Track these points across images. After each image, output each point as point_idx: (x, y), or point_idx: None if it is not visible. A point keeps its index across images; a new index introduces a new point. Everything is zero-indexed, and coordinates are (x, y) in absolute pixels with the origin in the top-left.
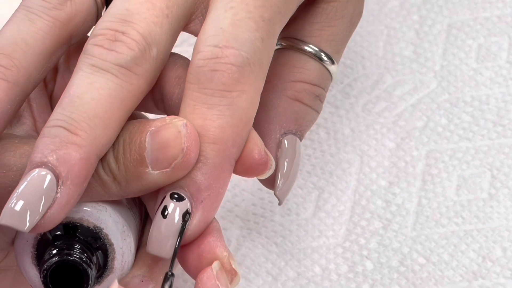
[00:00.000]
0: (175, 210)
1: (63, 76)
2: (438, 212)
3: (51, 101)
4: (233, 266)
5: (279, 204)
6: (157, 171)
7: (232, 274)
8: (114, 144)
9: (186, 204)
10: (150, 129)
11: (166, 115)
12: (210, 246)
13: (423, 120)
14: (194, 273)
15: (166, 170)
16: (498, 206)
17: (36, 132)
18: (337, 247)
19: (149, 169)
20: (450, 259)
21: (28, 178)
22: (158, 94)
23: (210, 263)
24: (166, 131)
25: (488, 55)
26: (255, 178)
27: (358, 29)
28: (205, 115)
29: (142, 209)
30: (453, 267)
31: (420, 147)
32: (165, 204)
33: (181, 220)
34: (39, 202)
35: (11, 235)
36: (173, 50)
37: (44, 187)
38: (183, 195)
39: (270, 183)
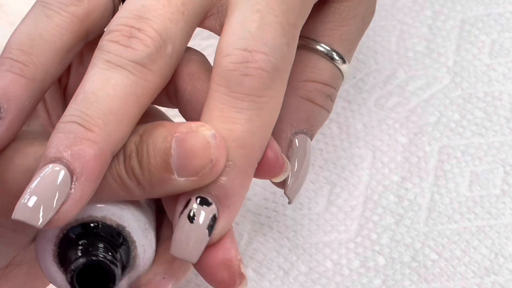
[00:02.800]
0: (203, 215)
1: (77, 70)
2: (450, 208)
3: (65, 95)
4: (243, 270)
5: (289, 203)
6: (183, 178)
7: (241, 277)
8: (138, 149)
9: (213, 209)
10: (176, 135)
11: (180, 112)
12: (225, 248)
13: (436, 115)
14: (206, 275)
15: (193, 178)
16: (511, 202)
17: (50, 126)
18: (349, 242)
19: (175, 176)
20: (462, 255)
21: (42, 174)
22: (172, 89)
23: (225, 266)
24: (194, 140)
25: (502, 51)
26: None
27: (371, 24)
28: (234, 119)
29: (156, 204)
30: (465, 263)
31: (432, 143)
32: (191, 209)
33: (208, 225)
34: (53, 197)
35: (32, 234)
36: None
37: (58, 182)
38: (210, 200)
39: (280, 182)
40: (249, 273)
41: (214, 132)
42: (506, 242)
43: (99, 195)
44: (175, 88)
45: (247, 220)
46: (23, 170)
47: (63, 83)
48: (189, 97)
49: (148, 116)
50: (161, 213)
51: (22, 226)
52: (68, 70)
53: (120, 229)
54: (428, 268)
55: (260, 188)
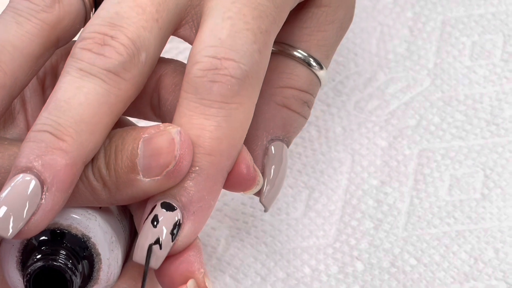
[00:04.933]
0: (166, 220)
1: None
2: (430, 212)
3: None
4: (207, 284)
5: (265, 211)
6: (148, 179)
7: None
8: (106, 150)
9: (177, 214)
10: (144, 136)
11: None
12: (188, 261)
13: (416, 118)
14: (168, 287)
15: (157, 177)
16: (491, 207)
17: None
18: (328, 248)
19: (140, 176)
20: (441, 260)
21: (12, 184)
22: (156, 100)
23: (186, 278)
24: (159, 138)
25: (482, 53)
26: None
27: (351, 25)
28: (203, 126)
29: (132, 223)
30: (444, 269)
31: (412, 146)
32: (156, 213)
33: (171, 230)
34: (23, 208)
35: None
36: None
37: (29, 192)
38: (174, 205)
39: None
40: (226, 279)
41: (179, 129)
42: (485, 247)
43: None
44: (159, 99)
45: (224, 225)
46: None
47: (47, 94)
48: (169, 107)
49: (120, 127)
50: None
51: None
52: (53, 81)
53: (85, 239)
54: (407, 273)
55: (237, 193)
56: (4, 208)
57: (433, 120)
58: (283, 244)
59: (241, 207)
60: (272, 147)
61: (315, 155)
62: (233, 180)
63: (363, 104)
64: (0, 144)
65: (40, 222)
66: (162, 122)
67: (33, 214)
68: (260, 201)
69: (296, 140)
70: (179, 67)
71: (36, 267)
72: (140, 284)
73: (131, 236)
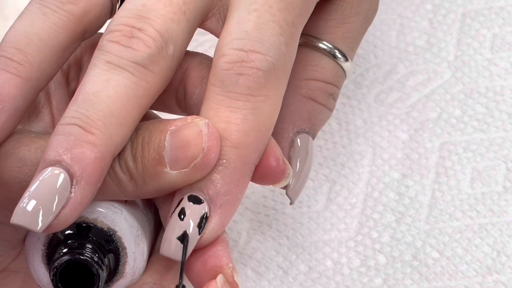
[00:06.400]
0: (193, 213)
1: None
2: (452, 205)
3: None
4: (236, 279)
5: (291, 203)
6: (176, 171)
7: (233, 286)
8: (133, 143)
9: (204, 207)
10: (171, 128)
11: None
12: (217, 256)
13: (437, 111)
14: (197, 281)
15: (184, 170)
16: None
17: (53, 129)
18: (349, 241)
19: (167, 169)
20: (464, 253)
21: (41, 177)
22: (182, 93)
23: (214, 273)
24: (187, 130)
25: (503, 45)
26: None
27: None
28: (229, 119)
29: (157, 217)
30: (467, 262)
31: (433, 139)
32: (183, 206)
33: (198, 224)
34: (53, 201)
35: (23, 233)
36: None
37: (58, 186)
38: (201, 198)
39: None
40: (247, 272)
41: (207, 122)
42: (508, 240)
43: None
44: (185, 92)
45: (245, 218)
46: (18, 160)
47: (71, 87)
48: (196, 100)
49: (146, 120)
50: (158, 226)
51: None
52: (77, 73)
53: (111, 233)
54: (430, 266)
55: (259, 186)
56: (33, 202)
57: (454, 113)
58: (304, 237)
59: (263, 200)
60: (298, 140)
61: (336, 148)
62: (263, 173)
63: (383, 97)
64: (27, 137)
65: (70, 216)
66: (188, 115)
67: (63, 207)
68: (287, 193)
69: None
70: (205, 60)
71: (62, 261)
72: (165, 277)
73: (156, 229)
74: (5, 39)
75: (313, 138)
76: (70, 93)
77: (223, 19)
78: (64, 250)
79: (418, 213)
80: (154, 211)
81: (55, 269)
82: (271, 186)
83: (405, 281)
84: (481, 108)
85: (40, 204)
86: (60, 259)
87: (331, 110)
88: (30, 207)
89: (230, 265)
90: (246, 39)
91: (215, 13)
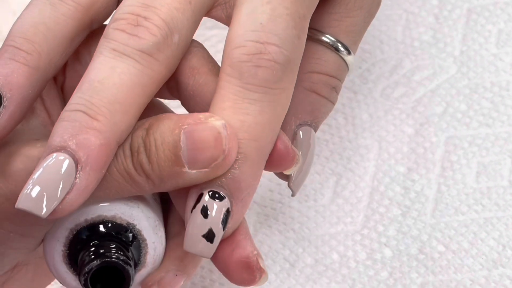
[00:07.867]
0: (217, 210)
1: (73, 67)
2: (457, 199)
3: (63, 94)
4: (262, 265)
5: (292, 195)
6: (195, 171)
7: (261, 272)
8: (145, 144)
9: (226, 203)
10: (183, 127)
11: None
12: (241, 246)
13: (442, 106)
14: (224, 270)
15: (205, 170)
16: None
17: (51, 125)
18: (355, 234)
19: (186, 168)
20: (470, 247)
21: (45, 163)
22: (173, 83)
23: (242, 264)
24: (203, 131)
25: (509, 40)
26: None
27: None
28: (247, 110)
29: (159, 199)
30: (473, 255)
31: (439, 133)
32: (204, 204)
33: (222, 220)
34: (57, 187)
35: (40, 237)
36: None
37: (63, 172)
38: (222, 194)
39: (284, 174)
40: None
41: (224, 123)
42: None
43: (108, 193)
44: (176, 82)
45: (252, 211)
46: (26, 174)
47: (59, 81)
48: (191, 91)
49: (150, 108)
50: (166, 211)
51: (30, 230)
52: (64, 68)
53: (131, 227)
54: (436, 260)
55: (266, 179)
56: (37, 188)
57: (459, 108)
58: (311, 230)
59: (269, 194)
60: (300, 132)
61: (342, 142)
62: (275, 161)
63: (389, 91)
64: (33, 148)
65: (75, 201)
66: (184, 105)
67: (67, 193)
68: (288, 185)
69: (323, 127)
70: (193, 48)
71: (93, 266)
72: (185, 261)
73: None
74: (13, 29)
75: (315, 131)
76: (58, 88)
77: (229, 9)
78: (92, 255)
79: (424, 207)
80: (157, 195)
81: (86, 274)
82: (277, 179)
83: (411, 274)
84: (487, 102)
85: (45, 190)
86: (90, 264)
87: (333, 103)
88: (34, 193)
89: (255, 252)
90: (262, 31)
91: (221, 3)
